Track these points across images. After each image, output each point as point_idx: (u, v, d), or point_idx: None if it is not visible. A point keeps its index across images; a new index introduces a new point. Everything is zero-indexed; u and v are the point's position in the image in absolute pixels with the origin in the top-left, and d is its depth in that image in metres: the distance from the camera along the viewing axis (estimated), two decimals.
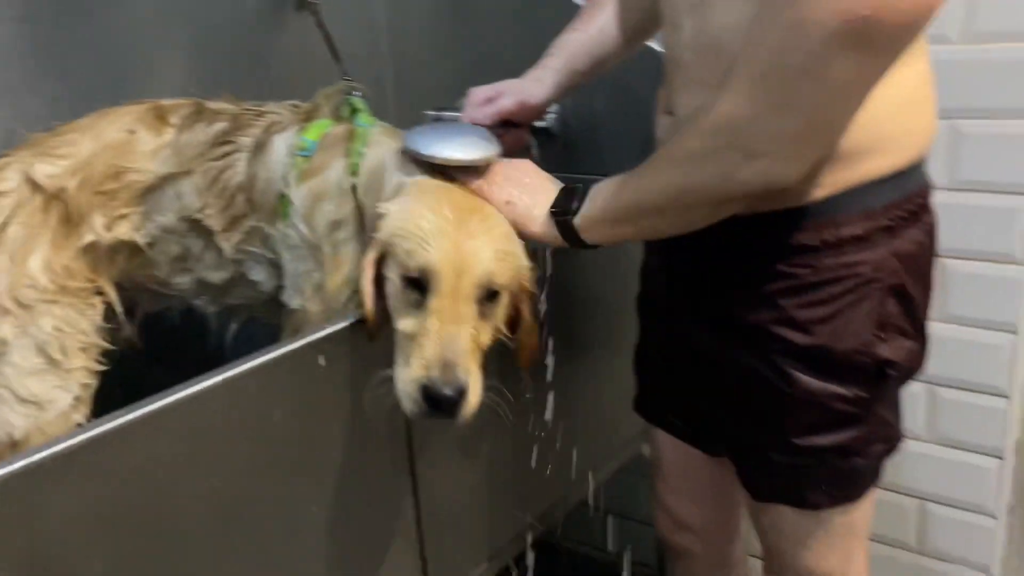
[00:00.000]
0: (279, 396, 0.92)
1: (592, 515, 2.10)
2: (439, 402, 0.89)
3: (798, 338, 0.99)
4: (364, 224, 1.10)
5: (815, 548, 1.10)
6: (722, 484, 1.24)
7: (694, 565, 1.37)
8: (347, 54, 1.67)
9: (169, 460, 0.82)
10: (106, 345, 1.21)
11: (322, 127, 1.18)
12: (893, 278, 0.97)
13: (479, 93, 1.21)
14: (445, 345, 0.89)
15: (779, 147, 0.86)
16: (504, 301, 0.98)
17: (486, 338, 0.96)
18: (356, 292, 1.09)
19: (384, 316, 0.98)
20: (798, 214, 0.97)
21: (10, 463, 0.72)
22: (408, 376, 0.90)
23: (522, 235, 1.03)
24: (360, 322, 0.98)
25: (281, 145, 1.17)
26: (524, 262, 1.01)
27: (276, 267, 1.20)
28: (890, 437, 1.06)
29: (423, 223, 0.93)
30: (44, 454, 0.73)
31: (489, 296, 0.95)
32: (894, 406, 1.07)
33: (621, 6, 1.23)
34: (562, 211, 1.01)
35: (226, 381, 0.86)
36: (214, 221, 1.19)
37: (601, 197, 0.99)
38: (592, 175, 1.61)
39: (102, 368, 1.20)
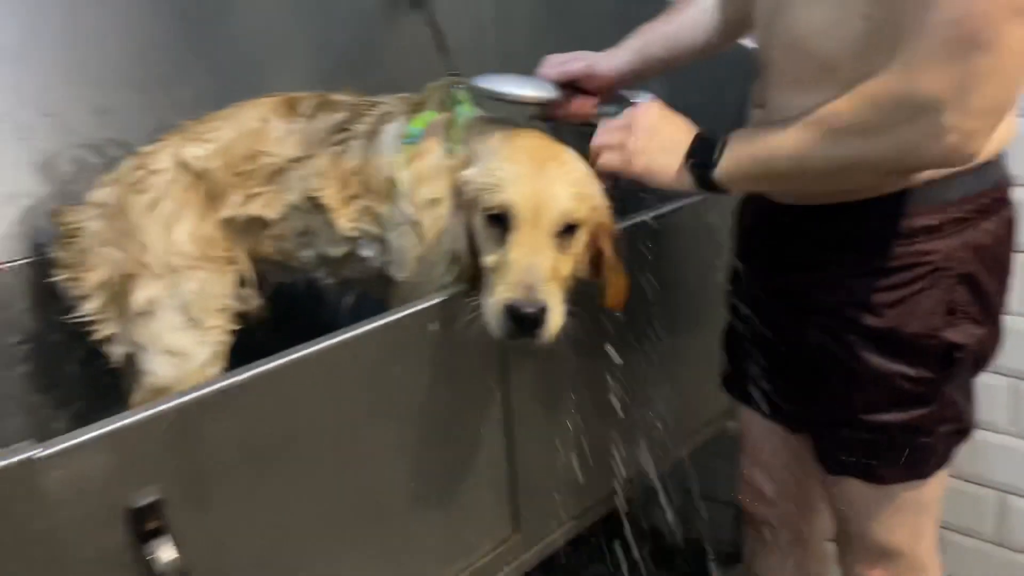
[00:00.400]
0: (398, 354, 1.04)
1: (673, 491, 2.17)
2: (522, 320, 0.97)
3: (869, 320, 1.05)
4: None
5: (884, 522, 1.16)
6: (801, 459, 1.31)
7: (771, 537, 1.43)
8: (456, 49, 1.79)
9: (306, 402, 0.95)
10: (239, 308, 1.35)
11: (428, 117, 1.28)
12: (964, 267, 1.03)
13: (555, 57, 1.31)
14: (526, 271, 1.00)
15: (969, 123, 0.87)
16: (583, 237, 1.07)
17: (566, 269, 1.05)
18: (453, 263, 1.22)
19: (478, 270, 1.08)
20: (874, 204, 1.03)
21: (182, 395, 0.86)
22: (493, 299, 1.00)
23: (655, 183, 1.08)
24: (458, 295, 1.09)
25: (391, 133, 1.28)
26: (601, 201, 1.10)
27: (384, 244, 1.30)
28: (959, 420, 1.11)
29: (500, 172, 1.04)
30: (208, 390, 0.88)
31: (567, 230, 1.05)
32: (964, 391, 1.12)
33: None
34: (701, 162, 1.04)
35: (356, 337, 0.99)
36: (332, 200, 1.30)
37: (746, 154, 1.01)
38: None
39: (235, 328, 1.33)
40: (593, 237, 1.10)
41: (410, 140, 1.26)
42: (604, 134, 1.12)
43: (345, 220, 1.30)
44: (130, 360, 1.31)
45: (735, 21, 1.28)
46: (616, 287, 1.14)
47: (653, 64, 1.31)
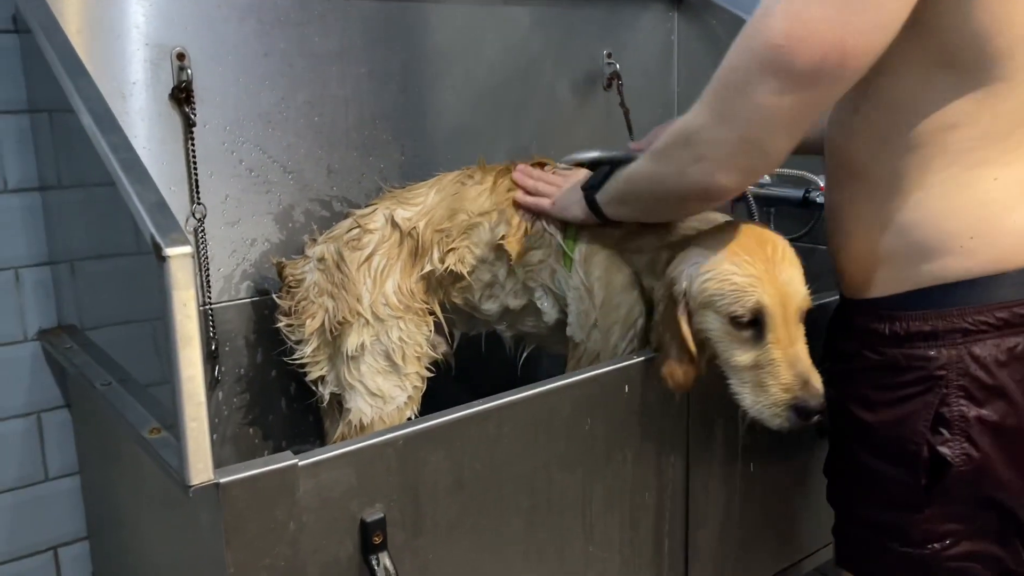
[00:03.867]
0: (590, 409, 1.11)
1: None
2: (807, 413, 1.05)
3: (865, 415, 1.07)
4: (632, 271, 1.26)
5: None
6: None
7: None
8: (641, 126, 1.90)
9: (507, 442, 1.04)
10: (434, 356, 1.46)
11: None
12: (965, 379, 0.99)
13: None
14: (795, 366, 1.06)
15: (718, 154, 0.99)
16: None
17: None
18: (627, 333, 1.27)
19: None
20: (877, 304, 1.06)
21: (410, 425, 0.97)
22: (772, 401, 1.06)
23: (564, 218, 1.28)
24: (652, 359, 1.16)
25: None
26: None
27: (559, 299, 1.36)
28: (956, 540, 1.06)
29: (735, 278, 1.08)
30: (431, 423, 0.98)
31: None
32: (969, 514, 1.05)
33: None
34: (590, 186, 1.23)
35: (554, 389, 1.08)
36: (513, 248, 1.36)
37: (616, 179, 1.19)
38: None
39: (428, 376, 1.43)
40: None
41: None
42: (544, 183, 1.32)
43: (524, 270, 1.37)
44: (334, 400, 1.44)
45: None
46: None
47: None
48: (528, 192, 1.34)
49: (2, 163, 1.31)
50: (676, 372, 1.13)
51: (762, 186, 1.81)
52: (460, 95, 1.76)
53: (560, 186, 1.31)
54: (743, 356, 1.09)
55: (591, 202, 1.23)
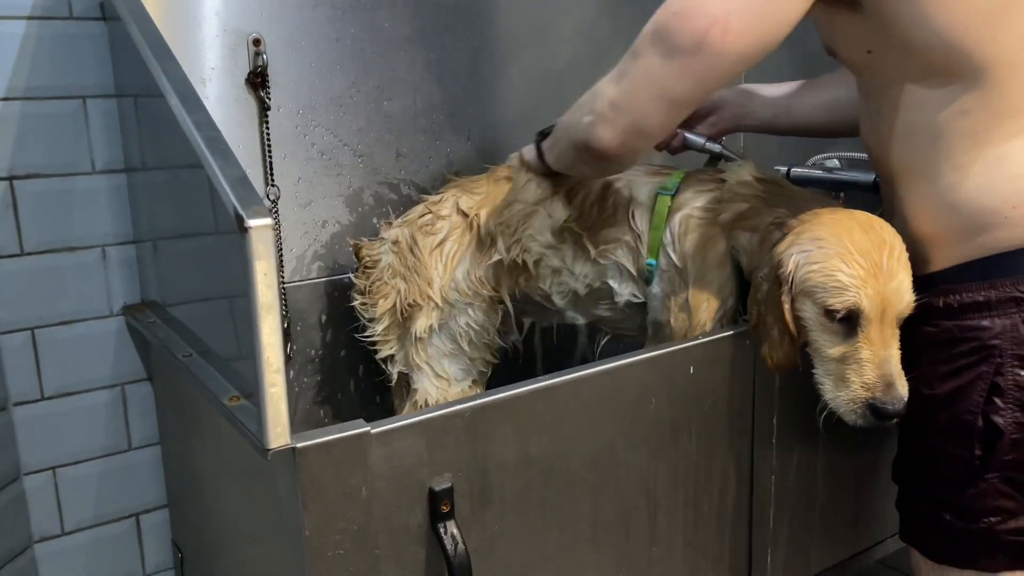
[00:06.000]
0: (655, 388, 1.12)
1: None
2: (884, 415, 1.05)
3: (924, 390, 1.08)
4: (728, 249, 1.25)
5: None
6: None
7: None
8: None
9: (573, 418, 1.05)
10: (500, 343, 1.47)
11: (679, 176, 1.35)
12: (1020, 348, 1.00)
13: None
14: (881, 368, 1.05)
15: (603, 108, 1.10)
16: None
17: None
18: (717, 311, 1.26)
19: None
20: (932, 279, 1.08)
21: (478, 397, 0.99)
22: (851, 396, 1.07)
23: (523, 159, 1.38)
24: (716, 341, 1.16)
25: (645, 184, 1.35)
26: None
27: (631, 277, 1.36)
28: (1011, 515, 1.06)
29: (840, 275, 1.06)
30: (498, 396, 1.00)
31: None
32: (1019, 485, 1.06)
33: None
34: (540, 132, 1.34)
35: (619, 367, 1.09)
36: (580, 227, 1.37)
37: (556, 126, 1.27)
38: None
39: (494, 362, 1.46)
40: None
41: (666, 192, 1.33)
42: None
43: (595, 247, 1.36)
44: (402, 379, 1.47)
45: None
46: None
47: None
48: None
49: (90, 146, 1.37)
50: (776, 353, 1.13)
51: (831, 170, 1.78)
52: (529, 81, 1.77)
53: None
54: (832, 348, 1.09)
55: (538, 147, 1.33)
